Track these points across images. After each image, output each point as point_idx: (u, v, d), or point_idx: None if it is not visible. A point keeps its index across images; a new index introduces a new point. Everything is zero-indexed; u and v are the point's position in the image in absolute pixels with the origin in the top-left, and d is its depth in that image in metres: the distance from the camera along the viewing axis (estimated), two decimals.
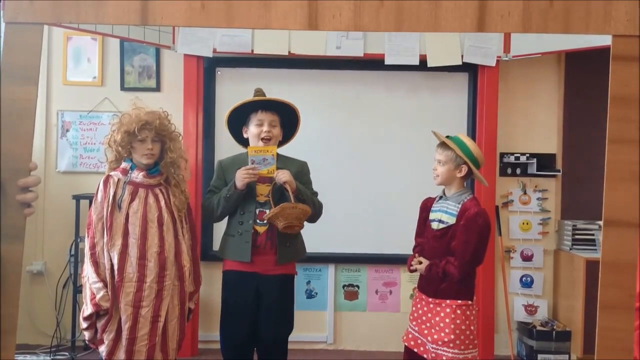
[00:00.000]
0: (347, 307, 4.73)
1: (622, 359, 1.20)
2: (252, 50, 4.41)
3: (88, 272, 2.75)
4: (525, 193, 4.69)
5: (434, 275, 2.90)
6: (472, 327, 2.86)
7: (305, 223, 3.05)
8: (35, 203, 4.19)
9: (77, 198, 4.36)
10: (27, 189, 1.27)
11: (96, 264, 2.73)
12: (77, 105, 4.65)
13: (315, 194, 3.20)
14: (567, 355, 4.35)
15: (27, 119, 1.21)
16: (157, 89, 4.65)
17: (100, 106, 4.64)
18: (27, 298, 4.65)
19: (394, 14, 1.14)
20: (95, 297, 2.70)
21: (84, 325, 2.78)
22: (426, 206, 3.08)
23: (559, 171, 4.66)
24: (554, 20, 1.15)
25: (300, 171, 3.16)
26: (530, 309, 4.65)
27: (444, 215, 2.93)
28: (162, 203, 2.86)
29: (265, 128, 3.04)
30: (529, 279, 4.68)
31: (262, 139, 3.05)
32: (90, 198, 4.38)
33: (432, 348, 2.86)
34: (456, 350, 2.80)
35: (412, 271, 3.05)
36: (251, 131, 3.09)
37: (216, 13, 1.14)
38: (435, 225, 2.96)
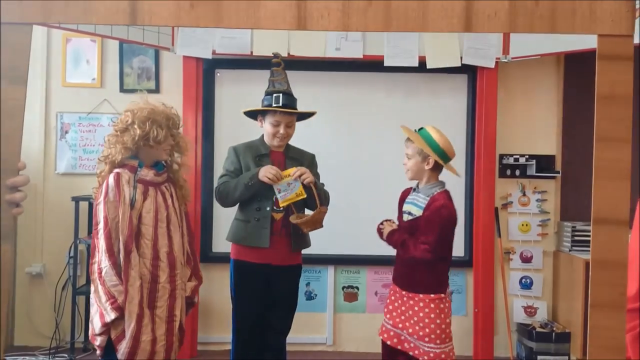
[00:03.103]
0: (346, 308, 4.73)
1: (614, 358, 1.19)
2: (252, 52, 4.42)
3: (107, 274, 2.61)
4: (524, 194, 4.69)
5: (395, 242, 2.93)
6: (447, 320, 2.86)
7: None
8: (35, 204, 4.19)
9: (77, 200, 4.36)
10: (16, 188, 1.27)
11: (116, 266, 2.61)
12: (77, 107, 4.66)
13: (323, 184, 3.30)
14: (567, 357, 4.34)
15: (16, 119, 1.21)
16: (157, 90, 4.65)
17: (99, 108, 4.65)
18: (26, 300, 4.66)
19: (382, 14, 1.15)
20: (117, 300, 2.59)
21: (100, 330, 2.63)
22: (402, 198, 3.10)
23: (558, 172, 4.66)
24: (540, 20, 1.16)
25: (311, 163, 3.28)
26: (530, 311, 4.64)
27: (413, 207, 2.94)
28: (170, 201, 2.83)
29: (281, 131, 3.12)
30: (528, 280, 4.68)
31: (277, 138, 3.15)
32: (89, 200, 4.44)
33: (411, 339, 2.88)
34: (432, 345, 2.80)
35: (379, 231, 3.07)
36: (266, 128, 3.17)
37: (205, 12, 1.14)
38: (405, 218, 2.99)
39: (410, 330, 2.86)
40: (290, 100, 3.14)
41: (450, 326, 2.89)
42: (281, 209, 3.10)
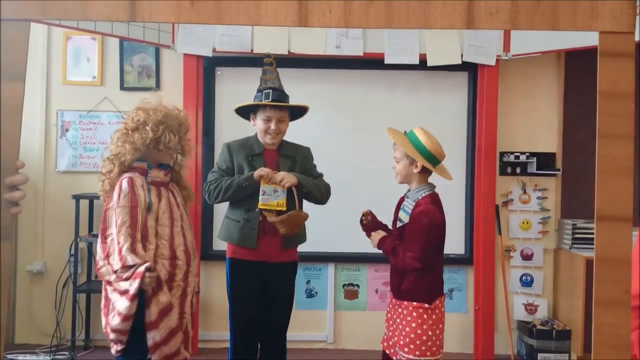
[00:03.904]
0: (347, 306, 4.73)
1: (619, 356, 1.19)
2: (252, 50, 4.41)
3: (121, 272, 2.51)
4: (525, 192, 4.69)
5: (386, 249, 2.88)
6: (429, 332, 2.76)
7: (311, 213, 3.19)
8: (35, 202, 4.18)
9: (77, 198, 4.36)
10: (15, 187, 1.26)
11: (126, 267, 2.52)
12: (77, 105, 4.65)
13: (320, 175, 3.30)
14: (567, 354, 4.34)
15: (15, 117, 1.20)
16: (157, 88, 4.63)
17: (99, 106, 4.64)
18: (27, 298, 4.67)
19: (383, 10, 1.14)
20: (129, 292, 2.49)
21: (126, 309, 2.50)
22: (398, 205, 3.03)
23: (558, 170, 4.66)
24: (541, 17, 1.16)
25: (306, 157, 3.27)
26: (530, 308, 4.64)
27: (403, 214, 2.89)
28: (178, 199, 2.81)
29: (272, 127, 3.11)
30: (529, 278, 4.67)
31: (269, 134, 3.14)
32: (90, 197, 4.44)
33: (396, 348, 2.85)
34: (411, 355, 2.74)
35: (364, 227, 3.06)
36: (258, 125, 3.16)
37: (205, 9, 1.13)
38: (398, 224, 2.94)
39: (396, 339, 2.83)
40: (281, 96, 3.13)
41: (435, 339, 2.78)
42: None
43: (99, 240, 2.60)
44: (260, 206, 3.02)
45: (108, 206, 2.60)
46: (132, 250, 2.53)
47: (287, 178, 3.03)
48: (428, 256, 2.76)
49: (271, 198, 3.02)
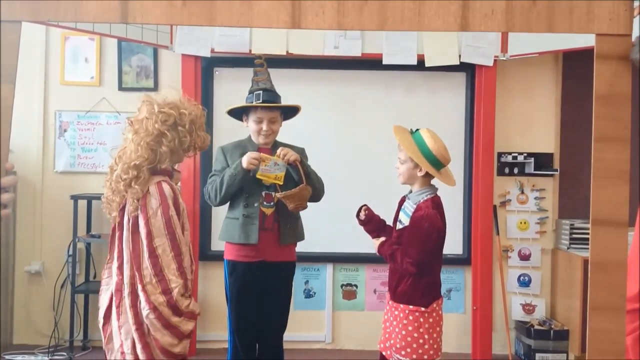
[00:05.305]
0: (345, 306, 4.72)
1: None
2: (250, 50, 4.40)
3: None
4: (522, 192, 4.68)
5: (384, 253, 2.86)
6: (426, 336, 2.74)
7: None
8: (34, 203, 4.17)
9: (75, 198, 4.35)
10: (4, 189, 1.25)
11: (186, 286, 2.33)
12: (75, 105, 4.65)
13: (314, 172, 3.28)
14: (565, 354, 4.34)
15: (4, 118, 1.19)
16: (155, 88, 4.63)
17: (98, 106, 4.64)
18: (25, 298, 4.66)
19: (377, 12, 1.13)
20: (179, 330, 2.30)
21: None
22: (399, 205, 2.99)
23: (556, 170, 4.66)
24: (537, 19, 1.15)
25: (301, 156, 3.24)
26: (528, 308, 4.64)
27: (404, 216, 2.85)
28: None
29: (264, 127, 3.11)
30: (526, 278, 4.67)
31: (262, 135, 3.14)
32: (88, 198, 4.43)
33: (391, 350, 2.83)
34: (407, 359, 2.74)
35: (359, 218, 3.03)
36: (251, 126, 3.17)
37: (197, 11, 1.13)
38: (397, 226, 2.90)
39: (392, 341, 2.83)
40: (272, 97, 3.14)
41: (432, 342, 2.76)
42: (271, 203, 3.10)
43: (146, 254, 2.30)
44: (258, 176, 3.00)
45: (149, 212, 2.30)
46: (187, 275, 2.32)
47: (290, 153, 3.03)
48: (425, 261, 2.75)
49: (270, 170, 3.01)
